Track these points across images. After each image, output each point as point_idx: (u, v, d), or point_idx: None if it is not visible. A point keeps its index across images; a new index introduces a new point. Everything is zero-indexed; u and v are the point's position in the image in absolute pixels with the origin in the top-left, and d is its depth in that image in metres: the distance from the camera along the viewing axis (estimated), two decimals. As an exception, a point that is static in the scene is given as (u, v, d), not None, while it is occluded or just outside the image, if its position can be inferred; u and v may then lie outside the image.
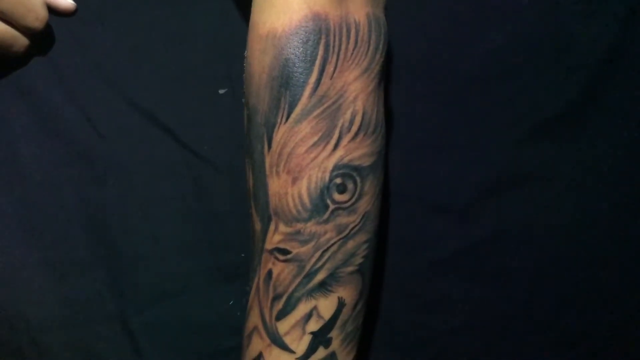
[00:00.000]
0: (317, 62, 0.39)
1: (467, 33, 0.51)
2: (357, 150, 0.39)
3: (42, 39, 0.49)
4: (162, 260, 0.49)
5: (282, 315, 0.40)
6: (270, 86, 0.40)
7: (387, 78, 0.44)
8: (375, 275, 0.50)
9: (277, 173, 0.40)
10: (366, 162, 0.40)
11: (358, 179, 0.40)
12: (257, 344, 0.41)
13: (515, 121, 0.52)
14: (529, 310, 0.51)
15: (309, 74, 0.39)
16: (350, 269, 0.40)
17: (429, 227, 0.51)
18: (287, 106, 0.39)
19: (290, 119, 0.39)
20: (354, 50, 0.39)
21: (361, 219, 0.40)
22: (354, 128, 0.39)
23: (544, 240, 0.51)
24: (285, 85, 0.39)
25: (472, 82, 0.51)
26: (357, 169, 0.40)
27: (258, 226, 0.41)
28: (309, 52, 0.39)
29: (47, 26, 0.49)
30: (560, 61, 0.51)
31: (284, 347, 0.40)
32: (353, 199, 0.40)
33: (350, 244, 0.40)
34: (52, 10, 0.49)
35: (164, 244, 0.49)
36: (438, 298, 0.50)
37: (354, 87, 0.39)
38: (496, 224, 0.51)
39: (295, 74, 0.39)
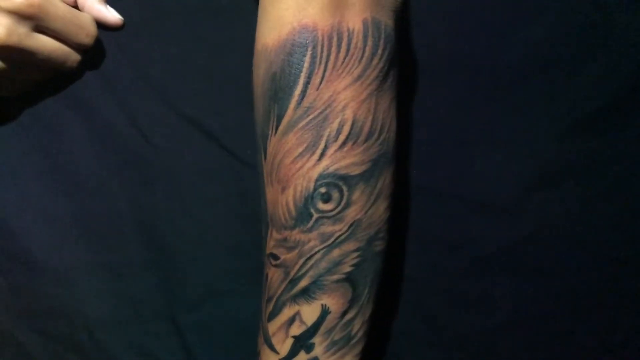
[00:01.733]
0: (302, 74, 0.39)
1: (507, 25, 0.51)
2: (345, 160, 0.40)
3: (93, 54, 0.52)
4: (209, 261, 0.51)
5: (271, 317, 0.42)
6: (263, 99, 0.41)
7: (399, 81, 0.43)
8: (414, 274, 0.51)
9: (271, 182, 0.42)
10: (355, 170, 0.40)
11: (344, 188, 0.40)
12: (259, 341, 0.43)
13: (558, 115, 0.51)
14: (574, 308, 0.50)
15: (294, 87, 0.40)
16: (335, 277, 0.41)
17: (471, 224, 0.51)
18: (275, 118, 0.41)
19: (279, 131, 0.41)
20: (345, 58, 0.39)
21: (349, 228, 0.40)
22: (342, 137, 0.40)
23: (588, 237, 0.50)
24: (274, 98, 0.41)
25: (513, 76, 0.51)
26: (343, 177, 0.40)
27: (263, 231, 0.43)
28: (294, 64, 0.39)
29: (97, 41, 0.52)
30: (604, 53, 0.50)
31: (271, 347, 0.42)
32: (339, 208, 0.40)
33: (336, 253, 0.41)
34: (101, 25, 0.52)
35: (211, 245, 0.51)
36: (480, 295, 0.51)
37: (344, 95, 0.39)
38: (539, 220, 0.51)
39: (282, 87, 0.40)
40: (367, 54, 0.40)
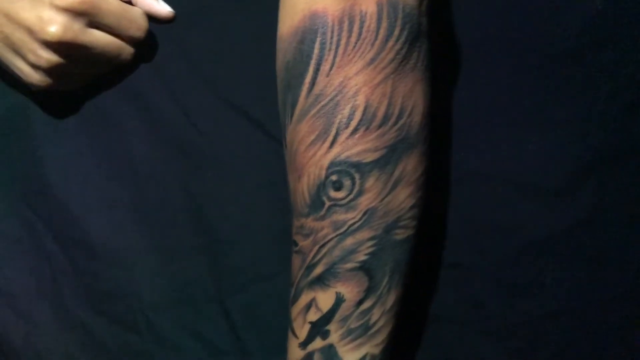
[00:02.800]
0: (312, 62, 0.39)
1: (560, 1, 0.49)
2: (357, 147, 0.39)
3: (146, 46, 0.54)
4: (255, 245, 0.52)
5: (293, 301, 0.42)
6: (280, 89, 0.42)
7: (437, 61, 0.42)
8: (462, 260, 0.50)
9: (290, 171, 0.42)
10: (368, 157, 0.39)
11: (357, 176, 0.39)
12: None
13: (614, 93, 0.48)
14: (632, 297, 0.47)
15: (304, 74, 0.39)
16: (349, 265, 0.40)
17: (521, 208, 0.49)
18: (290, 107, 0.41)
19: (293, 120, 0.41)
20: (356, 42, 0.38)
21: (362, 216, 0.40)
22: (353, 123, 0.39)
23: (649, 221, 0.48)
24: (287, 87, 0.41)
25: (567, 53, 0.49)
26: (355, 165, 0.39)
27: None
28: (304, 52, 0.39)
29: (150, 34, 0.54)
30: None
31: (293, 331, 0.43)
32: (351, 196, 0.40)
33: (349, 241, 0.40)
34: (153, 19, 0.54)
35: (256, 229, 0.52)
36: (531, 283, 0.49)
37: (356, 81, 0.39)
38: (594, 204, 0.48)
39: (294, 75, 0.40)
40: (381, 36, 0.39)
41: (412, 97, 0.40)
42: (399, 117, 0.40)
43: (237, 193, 0.53)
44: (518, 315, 0.49)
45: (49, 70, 0.51)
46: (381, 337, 0.42)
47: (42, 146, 0.56)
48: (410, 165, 0.41)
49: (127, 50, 0.53)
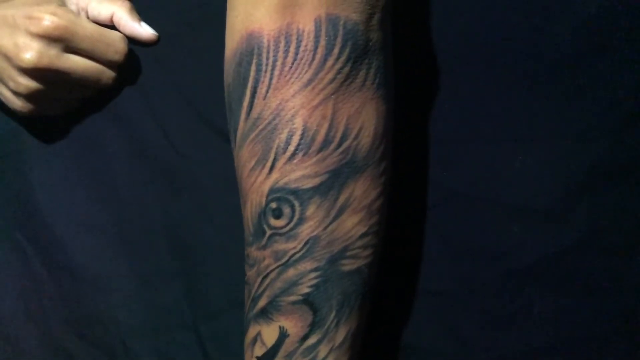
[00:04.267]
0: (249, 85, 0.37)
1: (554, 3, 0.45)
2: (295, 172, 0.36)
3: (129, 69, 0.54)
4: (230, 271, 0.50)
5: (244, 333, 0.40)
6: (227, 114, 0.39)
7: (398, 77, 0.39)
8: (443, 288, 0.46)
9: (240, 198, 0.40)
10: (307, 184, 0.37)
11: (296, 203, 0.37)
12: None
13: (611, 104, 0.44)
14: (629, 330, 0.42)
15: (242, 98, 0.37)
16: (292, 298, 0.37)
17: (508, 232, 0.45)
18: (233, 132, 0.39)
19: (236, 145, 0.39)
20: (293, 63, 0.36)
21: (304, 246, 0.37)
22: (291, 148, 0.36)
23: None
24: (229, 110, 0.39)
25: (560, 62, 0.45)
26: (294, 192, 0.37)
27: None
28: (241, 75, 0.37)
29: (133, 56, 0.54)
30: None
31: (239, 353, 0.40)
32: (291, 224, 0.37)
33: (291, 272, 0.37)
34: (137, 42, 0.54)
35: (232, 254, 0.50)
36: (517, 313, 0.44)
37: (293, 103, 0.36)
38: (589, 226, 0.44)
39: (234, 99, 0.38)
40: (318, 55, 0.36)
41: (359, 118, 0.37)
42: (343, 139, 0.37)
43: (213, 216, 0.51)
44: (503, 350, 0.44)
45: (29, 96, 0.52)
46: None
47: (32, 170, 0.57)
48: (359, 191, 0.38)
49: (108, 74, 0.53)
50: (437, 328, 0.46)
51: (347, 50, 0.36)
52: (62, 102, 0.54)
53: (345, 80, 0.37)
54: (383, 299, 0.45)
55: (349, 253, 0.38)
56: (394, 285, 0.46)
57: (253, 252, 0.39)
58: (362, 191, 0.38)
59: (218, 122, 0.52)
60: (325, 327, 0.38)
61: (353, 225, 0.38)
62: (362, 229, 0.38)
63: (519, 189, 0.45)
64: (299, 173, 0.37)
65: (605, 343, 0.43)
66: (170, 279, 0.52)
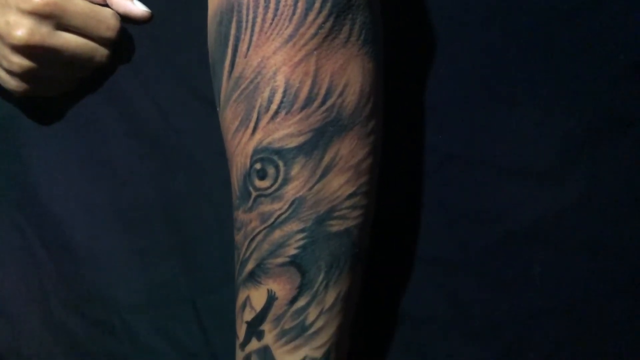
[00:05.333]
0: (230, 43, 0.36)
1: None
2: (278, 131, 0.36)
3: (123, 47, 0.54)
4: (227, 245, 0.49)
5: (235, 300, 0.40)
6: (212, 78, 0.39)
7: (385, 33, 0.38)
8: (440, 253, 0.45)
9: (228, 163, 0.39)
10: (291, 143, 0.36)
11: (280, 163, 0.36)
12: None
13: (609, 60, 0.43)
14: (633, 289, 0.41)
15: (224, 58, 0.37)
16: (279, 260, 0.37)
17: (505, 194, 0.44)
18: (217, 95, 0.38)
19: (220, 107, 0.38)
20: (273, 19, 0.35)
21: (289, 207, 0.36)
22: (273, 106, 0.36)
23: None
24: (213, 73, 0.38)
25: (555, 17, 0.44)
26: (278, 151, 0.36)
27: None
28: (222, 34, 0.36)
29: (126, 34, 0.54)
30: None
31: (235, 331, 0.40)
32: (275, 185, 0.36)
33: (277, 234, 0.37)
34: (130, 20, 0.54)
35: (229, 228, 0.49)
36: (517, 276, 0.43)
37: (274, 60, 0.35)
38: (588, 184, 0.43)
39: (216, 60, 0.38)
40: (299, 10, 0.35)
41: (343, 75, 0.36)
42: (326, 96, 0.36)
43: (210, 191, 0.51)
44: (503, 314, 0.43)
45: (23, 75, 0.52)
46: (321, 340, 0.38)
47: (30, 151, 0.57)
48: (345, 150, 0.37)
49: (101, 52, 0.53)
50: (435, 294, 0.45)
51: (329, 4, 0.36)
52: (57, 82, 0.54)
53: (327, 36, 0.36)
54: (379, 267, 0.44)
55: (336, 214, 0.37)
56: (391, 253, 0.45)
57: (240, 215, 0.39)
58: (348, 150, 0.37)
59: (213, 99, 0.52)
60: (314, 289, 0.37)
61: (340, 185, 0.37)
62: (350, 189, 0.37)
63: (516, 150, 0.44)
64: (283, 132, 0.36)
65: (607, 302, 0.42)
66: (168, 254, 0.52)
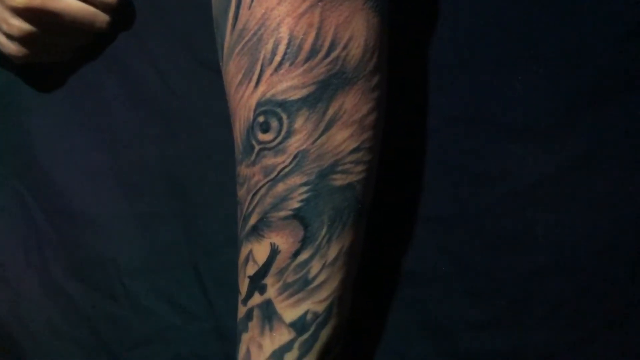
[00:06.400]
0: None
1: None
2: (282, 83, 0.36)
3: (124, 14, 0.54)
4: (229, 208, 0.49)
5: (237, 256, 0.40)
6: (214, 31, 0.39)
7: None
8: (441, 213, 0.45)
9: (230, 118, 0.39)
10: (295, 95, 0.36)
11: (284, 116, 0.36)
12: None
13: (613, 18, 0.42)
14: (633, 244, 0.41)
15: (228, 10, 0.36)
16: (282, 213, 0.37)
17: (507, 153, 0.44)
18: (220, 49, 0.38)
19: (223, 61, 0.38)
20: None
21: (293, 160, 0.36)
22: (277, 58, 0.35)
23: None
24: (216, 26, 0.38)
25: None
26: (282, 103, 0.36)
27: None
28: None
29: (127, 1, 0.53)
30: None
31: (238, 287, 0.40)
32: (279, 138, 0.36)
33: (281, 187, 0.37)
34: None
35: (231, 192, 0.49)
36: (519, 234, 0.43)
37: (278, 11, 0.35)
38: (589, 143, 0.42)
39: (220, 13, 0.37)
40: None
41: (348, 28, 0.36)
42: (331, 49, 0.36)
43: (211, 155, 0.51)
44: (506, 272, 0.43)
45: (23, 39, 0.51)
46: (324, 293, 0.38)
47: (30, 118, 0.57)
48: (349, 104, 0.37)
49: (101, 17, 0.53)
50: (438, 253, 0.45)
51: None
52: (57, 48, 0.54)
53: None
54: (382, 226, 0.44)
55: (339, 168, 0.37)
56: (393, 212, 0.45)
57: (243, 169, 0.39)
58: (352, 104, 0.37)
59: (214, 63, 0.51)
60: (317, 242, 0.37)
61: (343, 139, 0.37)
62: (354, 144, 0.37)
63: (519, 109, 0.44)
64: (286, 84, 0.36)
65: (609, 259, 0.42)
66: (169, 218, 0.52)
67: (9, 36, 0.52)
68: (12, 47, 0.52)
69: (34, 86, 0.57)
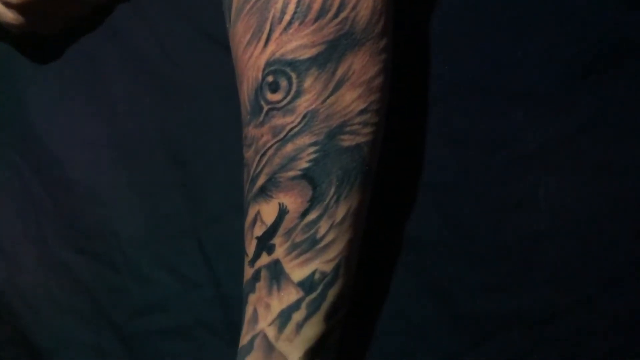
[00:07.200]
0: None
1: None
2: (292, 42, 0.36)
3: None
4: (231, 177, 0.49)
5: (244, 218, 0.40)
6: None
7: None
8: (444, 179, 0.45)
9: (237, 81, 0.39)
10: (304, 54, 0.36)
11: (293, 75, 0.36)
12: None
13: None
14: (633, 208, 0.41)
15: None
16: (291, 173, 0.37)
17: (509, 120, 0.44)
18: (228, 10, 0.38)
19: (231, 22, 0.38)
20: None
21: (302, 119, 0.36)
22: (287, 17, 0.35)
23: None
24: None
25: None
26: (291, 63, 0.36)
27: None
28: None
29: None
30: None
31: (245, 250, 0.40)
32: (288, 98, 0.36)
33: (289, 147, 0.37)
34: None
35: (231, 160, 0.49)
36: (521, 199, 0.44)
37: None
38: (592, 109, 0.43)
39: None
40: None
41: None
42: (340, 9, 0.36)
43: (211, 124, 0.51)
44: (507, 236, 0.44)
45: (21, 8, 0.51)
46: (332, 253, 0.38)
47: (26, 90, 0.56)
48: (358, 65, 0.37)
49: (101, -15, 0.53)
50: (441, 219, 0.45)
51: None
52: (55, 17, 0.53)
53: None
54: (386, 192, 0.44)
55: (348, 128, 0.37)
56: (397, 179, 0.46)
57: (251, 130, 0.39)
58: (361, 65, 0.37)
59: (214, 32, 0.51)
60: (325, 202, 0.38)
61: (352, 100, 0.37)
62: (362, 105, 0.38)
63: (522, 76, 0.44)
64: (296, 43, 0.36)
65: (610, 222, 0.42)
66: (170, 188, 0.51)
67: (7, 4, 0.51)
68: (9, 15, 0.52)
69: (31, 57, 0.56)
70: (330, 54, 0.36)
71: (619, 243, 0.42)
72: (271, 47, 0.36)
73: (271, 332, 0.39)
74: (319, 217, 0.38)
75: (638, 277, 0.42)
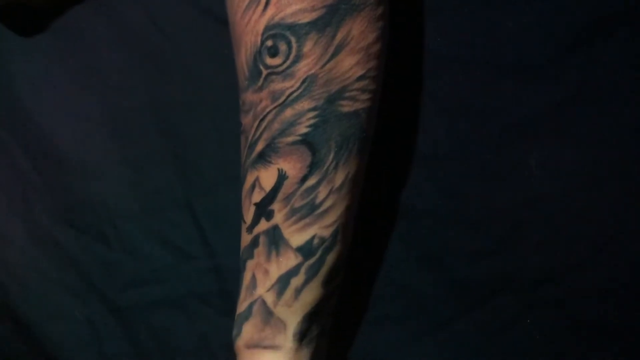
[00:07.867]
0: None
1: None
2: (291, 6, 0.35)
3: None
4: (222, 148, 0.50)
5: (240, 184, 0.40)
6: None
7: None
8: (436, 150, 0.46)
9: (234, 48, 0.39)
10: (304, 18, 0.36)
11: (292, 39, 0.36)
12: None
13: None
14: (625, 176, 0.43)
15: None
16: (290, 139, 0.37)
17: (500, 90, 0.45)
18: None
19: None
20: None
21: (301, 84, 0.36)
22: None
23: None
24: None
25: None
26: (291, 27, 0.36)
27: None
28: None
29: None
30: None
31: (241, 216, 0.40)
32: (288, 62, 0.36)
33: (289, 112, 0.37)
34: None
35: (223, 131, 0.50)
36: (513, 167, 0.45)
37: None
38: (581, 79, 0.44)
39: None
40: None
41: None
42: None
43: (203, 95, 0.51)
44: (499, 202, 0.45)
45: (8, -23, 0.50)
46: (330, 219, 0.39)
47: (13, 63, 0.55)
48: (357, 30, 0.37)
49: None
50: (434, 188, 0.46)
51: None
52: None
53: None
54: (380, 163, 0.45)
55: (347, 94, 0.37)
56: (391, 149, 0.46)
57: (249, 96, 0.38)
58: (359, 31, 0.37)
59: (205, 3, 0.51)
60: (325, 167, 0.38)
61: (351, 65, 0.37)
62: (360, 71, 0.38)
63: (513, 47, 0.45)
64: (295, 7, 0.36)
65: (599, 189, 0.43)
66: (162, 161, 0.51)
67: (-7, -27, 0.50)
68: (-5, -15, 0.51)
69: (18, 30, 0.55)
70: (330, 19, 0.36)
71: (609, 208, 0.43)
72: (270, 10, 0.36)
73: (270, 298, 0.39)
74: (318, 183, 0.38)
75: (627, 241, 0.43)
